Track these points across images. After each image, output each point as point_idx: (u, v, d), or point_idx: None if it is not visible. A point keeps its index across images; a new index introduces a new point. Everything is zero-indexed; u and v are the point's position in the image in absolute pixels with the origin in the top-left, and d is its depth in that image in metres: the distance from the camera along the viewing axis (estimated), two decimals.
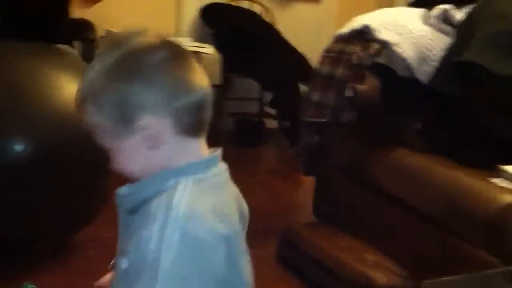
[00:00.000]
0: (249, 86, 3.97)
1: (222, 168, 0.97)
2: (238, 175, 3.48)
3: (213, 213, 0.86)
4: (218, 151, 0.97)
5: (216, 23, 3.84)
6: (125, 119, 0.86)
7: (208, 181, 0.91)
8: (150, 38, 0.93)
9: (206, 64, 3.47)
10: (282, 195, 3.00)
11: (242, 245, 0.93)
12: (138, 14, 3.68)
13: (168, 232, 0.81)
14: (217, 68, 3.53)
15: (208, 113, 0.94)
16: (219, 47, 3.65)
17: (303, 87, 3.75)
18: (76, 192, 1.82)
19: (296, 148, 3.64)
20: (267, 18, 3.97)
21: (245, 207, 1.01)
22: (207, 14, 3.85)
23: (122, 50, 0.90)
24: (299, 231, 2.18)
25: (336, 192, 2.21)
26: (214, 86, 3.60)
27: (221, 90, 3.76)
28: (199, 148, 0.94)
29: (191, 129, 0.90)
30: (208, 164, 0.93)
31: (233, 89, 3.85)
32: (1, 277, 1.78)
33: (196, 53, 3.47)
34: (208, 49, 3.55)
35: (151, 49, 0.91)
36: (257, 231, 2.38)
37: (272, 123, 3.99)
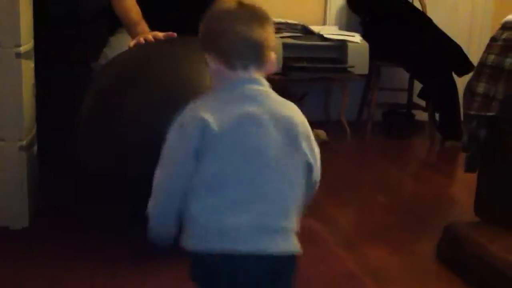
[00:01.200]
0: (398, 76, 3.82)
1: (252, 87, 1.17)
2: (388, 166, 3.43)
3: (206, 111, 1.12)
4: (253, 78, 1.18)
5: (364, 11, 3.73)
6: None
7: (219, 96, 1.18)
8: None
9: (353, 53, 3.40)
10: (435, 189, 2.83)
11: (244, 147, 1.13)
12: (287, 2, 3.69)
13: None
14: (365, 57, 3.42)
15: (244, 56, 1.16)
16: (367, 35, 3.54)
17: (458, 78, 3.55)
18: None
19: (452, 143, 3.47)
20: (418, 5, 3.78)
21: (283, 116, 1.19)
22: (355, 1, 3.75)
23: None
24: (463, 231, 2.05)
25: (505, 191, 2.04)
26: (362, 76, 3.57)
27: (369, 79, 3.66)
28: (235, 76, 1.17)
29: (225, 62, 1.16)
30: (231, 86, 1.17)
31: (381, 79, 3.71)
32: None
33: (343, 41, 3.41)
34: (356, 38, 3.46)
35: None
36: (414, 227, 2.31)
37: (422, 115, 3.80)
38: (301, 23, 3.54)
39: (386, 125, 3.77)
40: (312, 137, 1.27)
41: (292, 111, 1.24)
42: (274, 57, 1.23)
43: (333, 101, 3.79)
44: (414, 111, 3.84)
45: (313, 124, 3.67)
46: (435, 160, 3.42)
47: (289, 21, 3.50)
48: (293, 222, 1.18)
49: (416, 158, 3.51)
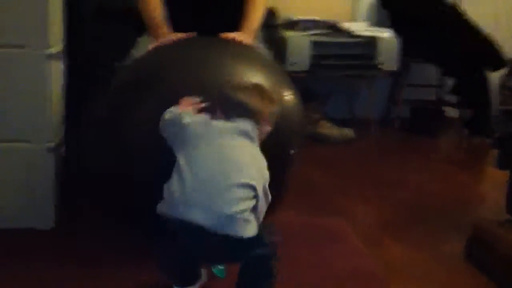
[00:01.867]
0: (428, 72, 3.76)
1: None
2: (415, 163, 3.39)
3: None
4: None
5: (394, 6, 3.66)
6: None
7: None
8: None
9: (383, 49, 3.34)
10: (463, 186, 2.79)
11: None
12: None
13: None
14: (394, 54, 3.36)
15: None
16: (397, 31, 3.48)
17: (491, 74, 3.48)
18: None
19: (481, 139, 3.41)
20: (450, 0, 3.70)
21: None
22: None
23: None
24: (493, 230, 2.01)
25: None
26: (391, 72, 3.51)
27: (398, 76, 3.60)
28: None
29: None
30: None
31: (411, 75, 3.66)
32: None
33: (373, 38, 3.35)
34: (386, 34, 3.40)
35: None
36: (441, 225, 2.27)
37: (452, 112, 3.73)
38: (330, 19, 3.49)
39: (414, 122, 3.71)
40: None
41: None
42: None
43: (359, 98, 3.75)
44: (444, 108, 3.77)
45: (339, 122, 3.67)
46: (464, 157, 3.35)
47: (318, 18, 3.45)
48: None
49: (444, 155, 3.45)
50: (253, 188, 1.48)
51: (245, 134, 1.54)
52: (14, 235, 1.99)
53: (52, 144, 2.01)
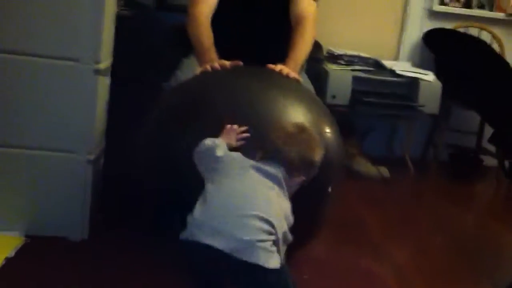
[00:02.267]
0: (468, 118, 3.72)
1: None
2: (451, 208, 3.31)
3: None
4: None
5: (440, 49, 3.65)
6: None
7: None
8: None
9: (425, 91, 3.32)
10: (499, 238, 2.73)
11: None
12: (361, 35, 3.65)
13: None
14: (436, 97, 3.34)
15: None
16: (440, 74, 3.46)
17: None
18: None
19: None
20: (496, 48, 3.68)
21: None
22: (431, 39, 3.68)
23: None
24: None
25: None
26: (431, 115, 3.46)
27: (437, 118, 3.57)
28: None
29: None
30: None
31: (451, 119, 3.62)
32: None
33: (415, 79, 3.34)
34: (429, 76, 3.38)
35: None
36: (474, 274, 2.23)
37: (490, 161, 3.68)
38: (374, 56, 3.50)
39: (452, 167, 3.66)
40: None
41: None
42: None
43: (398, 137, 3.72)
44: (483, 156, 3.72)
45: (376, 159, 3.64)
46: (501, 208, 3.28)
47: (362, 54, 3.46)
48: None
49: (479, 203, 3.39)
50: (272, 225, 1.46)
51: (276, 179, 1.54)
52: (45, 243, 2.01)
53: (92, 156, 2.05)
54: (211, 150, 1.59)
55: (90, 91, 1.99)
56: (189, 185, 1.71)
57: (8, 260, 1.89)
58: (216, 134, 1.67)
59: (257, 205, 1.47)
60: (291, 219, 1.55)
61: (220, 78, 2.00)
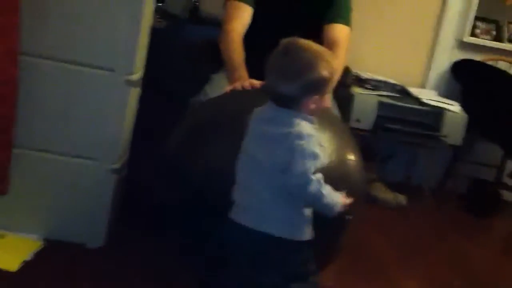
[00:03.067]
0: (490, 152, 3.69)
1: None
2: (466, 243, 3.24)
3: None
4: None
5: (467, 80, 3.63)
6: None
7: None
8: None
9: (449, 122, 3.31)
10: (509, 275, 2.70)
11: None
12: (389, 60, 3.64)
13: None
14: (460, 129, 3.32)
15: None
16: (466, 105, 3.44)
17: None
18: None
19: None
20: None
21: None
22: (459, 69, 3.65)
23: None
24: None
25: None
26: (453, 146, 3.40)
27: (460, 151, 3.54)
28: None
29: None
30: None
31: (472, 152, 3.60)
32: None
33: (441, 109, 3.33)
34: (454, 107, 3.37)
35: None
36: None
37: (510, 196, 3.65)
38: (401, 83, 3.49)
39: (470, 199, 3.63)
40: None
41: None
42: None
43: (418, 166, 3.70)
44: (502, 191, 3.69)
45: (394, 185, 3.59)
46: None
47: (389, 80, 3.46)
48: None
49: (496, 240, 3.36)
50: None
51: (281, 122, 1.45)
52: (62, 248, 2.03)
53: (117, 166, 2.06)
54: None
55: (121, 101, 2.01)
56: (209, 199, 1.73)
57: (26, 263, 1.91)
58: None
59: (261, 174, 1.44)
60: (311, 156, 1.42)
61: (250, 97, 2.01)
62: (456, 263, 2.71)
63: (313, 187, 1.41)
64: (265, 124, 1.47)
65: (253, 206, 1.47)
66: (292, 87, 1.42)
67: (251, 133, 1.52)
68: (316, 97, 1.45)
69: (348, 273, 2.31)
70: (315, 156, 1.41)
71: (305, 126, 1.43)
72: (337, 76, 2.23)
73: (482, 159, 3.74)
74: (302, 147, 1.39)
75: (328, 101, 2.03)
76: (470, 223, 3.37)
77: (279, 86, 1.43)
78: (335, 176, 1.75)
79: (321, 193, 1.42)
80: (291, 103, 1.44)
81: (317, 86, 1.44)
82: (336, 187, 1.64)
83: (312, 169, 1.40)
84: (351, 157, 1.89)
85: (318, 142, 1.45)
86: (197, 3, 3.11)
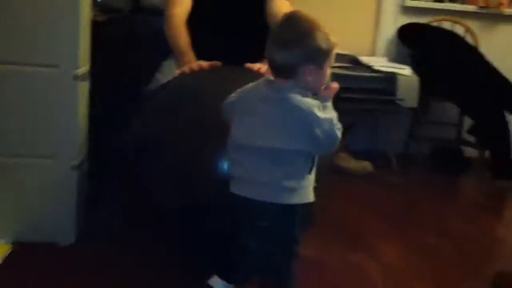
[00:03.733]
0: (448, 110, 3.78)
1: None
2: (434, 203, 3.29)
3: None
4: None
5: (414, 44, 3.71)
6: None
7: None
8: None
9: (403, 85, 3.37)
10: (484, 231, 2.73)
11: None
12: (336, 32, 3.67)
13: None
14: (414, 91, 3.38)
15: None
16: (416, 68, 3.52)
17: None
18: None
19: (504, 182, 3.39)
20: (469, 40, 3.75)
21: None
22: (405, 34, 3.74)
23: None
24: None
25: None
26: (411, 109, 3.48)
27: (417, 112, 3.62)
28: None
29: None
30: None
31: (431, 112, 3.68)
32: None
33: (393, 74, 3.39)
34: (406, 71, 3.44)
35: None
36: (461, 270, 2.24)
37: (471, 152, 3.74)
38: (350, 53, 3.55)
39: (434, 160, 3.71)
40: None
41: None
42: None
43: (380, 132, 3.77)
44: (463, 147, 3.77)
45: (359, 154, 3.64)
46: (485, 199, 3.30)
47: (339, 51, 3.50)
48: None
49: (464, 196, 3.43)
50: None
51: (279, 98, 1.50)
52: (32, 249, 2.02)
53: (76, 162, 2.06)
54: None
55: (70, 96, 2.00)
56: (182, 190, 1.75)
57: None
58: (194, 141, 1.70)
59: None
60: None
61: (199, 78, 2.04)
62: (430, 223, 2.75)
63: (338, 135, 1.52)
64: (263, 103, 1.50)
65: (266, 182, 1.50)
66: (289, 54, 1.45)
67: (249, 112, 1.53)
68: (313, 67, 1.48)
69: (325, 242, 2.33)
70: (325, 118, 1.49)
71: (305, 99, 1.47)
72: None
73: (441, 118, 3.83)
74: (313, 118, 1.46)
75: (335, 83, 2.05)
76: (436, 182, 3.44)
77: (276, 54, 1.46)
78: None
79: (338, 130, 1.52)
80: (288, 73, 1.47)
81: (314, 55, 1.47)
82: None
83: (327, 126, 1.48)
84: None
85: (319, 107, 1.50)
86: None
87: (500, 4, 3.83)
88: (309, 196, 1.57)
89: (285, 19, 1.51)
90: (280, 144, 1.47)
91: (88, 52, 2.13)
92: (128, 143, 1.97)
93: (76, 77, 2.00)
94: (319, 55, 1.48)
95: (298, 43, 1.46)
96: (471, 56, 3.61)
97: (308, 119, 1.46)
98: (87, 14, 2.09)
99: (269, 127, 1.49)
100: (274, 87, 1.51)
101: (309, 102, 1.47)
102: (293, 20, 1.49)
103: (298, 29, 1.47)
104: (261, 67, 2.09)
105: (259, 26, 2.31)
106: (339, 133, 1.50)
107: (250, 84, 1.59)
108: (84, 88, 2.10)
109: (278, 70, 1.50)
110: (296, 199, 1.52)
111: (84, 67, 2.07)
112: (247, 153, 1.51)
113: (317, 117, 1.46)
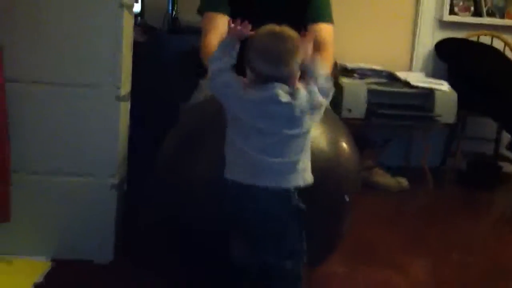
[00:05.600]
0: (485, 125, 3.72)
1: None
2: (469, 220, 3.21)
3: None
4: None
5: (452, 58, 3.67)
6: None
7: None
8: None
9: (441, 101, 3.33)
10: None
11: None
12: (373, 47, 3.68)
13: None
14: (452, 107, 3.34)
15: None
16: (454, 83, 3.47)
17: None
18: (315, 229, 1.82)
19: None
20: (509, 54, 3.69)
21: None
22: (443, 48, 3.69)
23: None
24: None
25: None
26: (449, 125, 3.42)
27: (454, 127, 3.57)
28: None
29: None
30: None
31: (468, 128, 3.63)
32: None
33: (430, 89, 3.35)
34: (444, 86, 3.39)
35: None
36: None
37: (509, 167, 3.67)
38: (387, 68, 3.52)
39: (470, 175, 3.65)
40: None
41: None
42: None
43: (415, 147, 3.72)
44: (502, 163, 3.71)
45: (394, 170, 3.60)
46: None
47: (375, 67, 3.49)
48: None
49: (500, 214, 3.36)
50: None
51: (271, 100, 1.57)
52: (71, 267, 2.05)
53: (116, 181, 2.08)
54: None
55: (112, 116, 2.03)
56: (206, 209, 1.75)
57: (36, 285, 1.92)
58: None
59: None
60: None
61: None
62: (461, 240, 2.70)
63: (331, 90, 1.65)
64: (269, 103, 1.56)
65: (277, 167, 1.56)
66: (289, 67, 1.56)
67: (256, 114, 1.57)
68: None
69: (356, 260, 2.32)
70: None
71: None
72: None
73: (478, 133, 3.77)
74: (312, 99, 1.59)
75: None
76: (472, 199, 3.38)
77: (280, 69, 1.55)
78: (330, 166, 1.80)
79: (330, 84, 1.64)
80: (286, 80, 1.57)
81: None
82: (331, 176, 1.75)
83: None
84: (343, 140, 1.92)
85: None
86: (176, 15, 3.16)
87: None
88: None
89: (278, 36, 1.58)
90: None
91: (129, 72, 2.16)
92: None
93: (118, 98, 2.03)
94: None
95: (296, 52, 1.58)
96: (509, 71, 3.55)
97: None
98: (129, 34, 2.12)
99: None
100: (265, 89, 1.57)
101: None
102: (287, 36, 1.58)
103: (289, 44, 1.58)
104: None
105: None
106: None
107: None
108: (125, 108, 2.12)
109: (278, 80, 1.58)
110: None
111: (125, 87, 2.10)
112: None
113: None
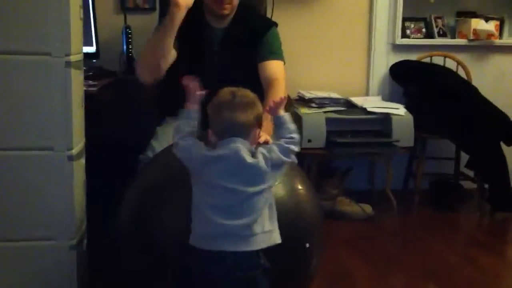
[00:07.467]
0: (444, 145, 3.77)
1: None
2: (435, 243, 3.24)
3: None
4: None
5: (406, 81, 3.72)
6: None
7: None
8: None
9: (398, 125, 3.36)
10: (487, 271, 2.71)
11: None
12: (330, 75, 3.71)
13: None
14: (409, 130, 3.38)
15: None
16: (410, 105, 3.51)
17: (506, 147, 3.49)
18: None
19: (503, 214, 3.38)
20: (462, 74, 3.75)
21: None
22: (397, 72, 3.74)
23: None
24: None
25: None
26: (407, 148, 3.45)
27: (414, 149, 3.61)
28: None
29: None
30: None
31: (428, 149, 3.67)
32: None
33: (387, 114, 3.39)
34: (400, 110, 3.43)
35: None
36: None
37: (471, 185, 3.72)
38: (345, 94, 3.55)
39: (433, 196, 3.70)
40: None
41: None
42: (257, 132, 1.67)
43: (378, 170, 3.75)
44: (462, 182, 3.76)
45: (358, 195, 3.60)
46: (485, 235, 3.29)
47: (332, 95, 3.51)
48: None
49: (465, 234, 3.40)
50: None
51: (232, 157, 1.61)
52: None
53: (74, 242, 2.03)
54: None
55: (66, 177, 1.98)
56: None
57: None
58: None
59: None
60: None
61: None
62: (427, 267, 2.72)
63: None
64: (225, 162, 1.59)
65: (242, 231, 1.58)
66: (246, 115, 1.61)
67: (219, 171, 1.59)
68: (259, 130, 1.68)
69: None
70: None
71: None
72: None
73: (438, 153, 3.82)
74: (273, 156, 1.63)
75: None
76: (437, 219, 3.42)
77: (237, 114, 1.60)
78: (288, 207, 1.80)
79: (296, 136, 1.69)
80: (245, 131, 1.62)
81: (260, 119, 1.67)
82: (290, 217, 1.77)
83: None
84: (300, 186, 1.92)
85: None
86: (131, 54, 3.10)
87: (490, 35, 3.84)
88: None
89: (233, 94, 1.64)
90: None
91: (82, 129, 2.11)
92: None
93: (71, 157, 1.98)
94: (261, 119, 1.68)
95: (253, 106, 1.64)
96: (463, 90, 3.61)
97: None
98: (79, 92, 2.07)
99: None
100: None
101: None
102: (241, 93, 1.65)
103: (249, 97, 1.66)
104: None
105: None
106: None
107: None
108: (79, 166, 2.08)
109: (237, 130, 1.62)
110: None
111: (78, 146, 2.05)
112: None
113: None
